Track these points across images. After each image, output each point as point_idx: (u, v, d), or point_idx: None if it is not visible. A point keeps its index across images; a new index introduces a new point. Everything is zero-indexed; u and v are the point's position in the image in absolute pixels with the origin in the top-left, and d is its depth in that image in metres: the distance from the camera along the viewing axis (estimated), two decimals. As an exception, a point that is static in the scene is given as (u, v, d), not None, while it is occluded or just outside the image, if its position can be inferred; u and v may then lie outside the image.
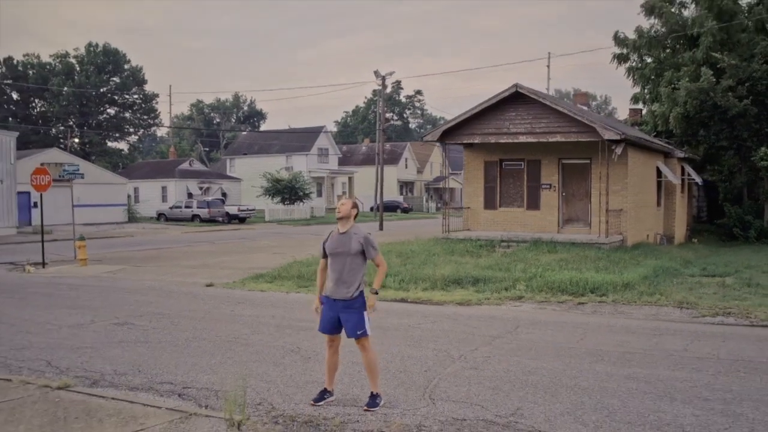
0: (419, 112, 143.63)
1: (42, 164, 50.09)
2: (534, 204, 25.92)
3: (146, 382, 8.64)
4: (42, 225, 26.18)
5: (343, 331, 7.50)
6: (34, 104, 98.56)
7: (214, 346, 10.72)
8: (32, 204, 50.86)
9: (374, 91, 46.23)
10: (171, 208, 58.05)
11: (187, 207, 56.39)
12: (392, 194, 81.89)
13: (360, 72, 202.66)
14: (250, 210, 57.88)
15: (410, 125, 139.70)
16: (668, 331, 11.82)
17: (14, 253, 30.63)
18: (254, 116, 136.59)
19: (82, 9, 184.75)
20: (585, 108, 32.13)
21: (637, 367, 9.17)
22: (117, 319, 13.15)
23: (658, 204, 29.07)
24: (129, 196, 60.74)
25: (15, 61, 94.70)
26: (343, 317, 7.42)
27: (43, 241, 25.79)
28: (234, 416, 6.83)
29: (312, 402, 7.55)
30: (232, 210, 56.26)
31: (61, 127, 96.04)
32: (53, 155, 54.17)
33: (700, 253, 25.72)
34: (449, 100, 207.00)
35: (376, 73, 48.14)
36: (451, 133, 25.55)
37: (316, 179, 73.46)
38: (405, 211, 76.55)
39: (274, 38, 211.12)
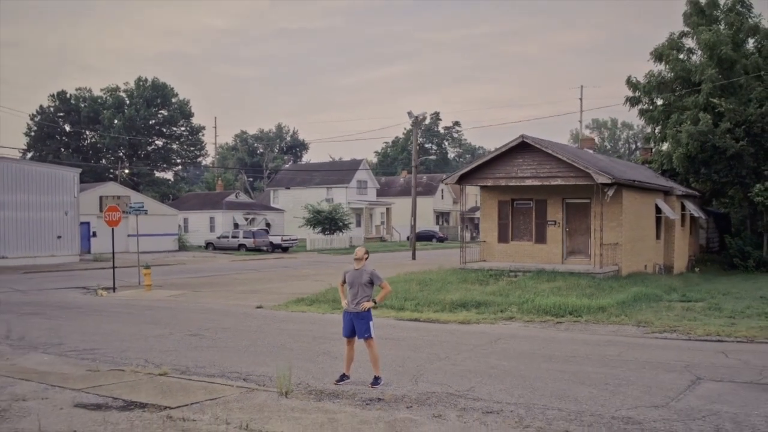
0: (457, 143, 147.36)
1: (101, 197, 54.85)
2: (541, 238, 29.34)
3: (219, 372, 12.28)
4: (113, 254, 30.20)
5: (354, 331, 11.12)
6: (85, 136, 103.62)
7: (266, 350, 14.38)
8: (91, 233, 55.35)
9: (416, 117, 49.90)
10: (219, 237, 62.18)
11: (233, 237, 60.49)
12: (428, 224, 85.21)
13: (400, 99, 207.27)
14: (293, 240, 61.74)
15: (448, 155, 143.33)
16: (617, 342, 15.20)
17: (82, 279, 34.60)
18: (297, 146, 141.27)
19: (126, 38, 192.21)
20: (591, 151, 35.41)
21: (573, 365, 12.61)
22: (190, 332, 16.91)
23: (658, 237, 32.21)
24: (179, 226, 64.99)
25: (68, 95, 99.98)
26: (355, 324, 11.03)
27: (114, 269, 29.75)
28: (282, 389, 10.43)
29: (335, 382, 11.16)
30: (276, 240, 60.21)
31: (111, 158, 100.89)
32: (111, 188, 58.78)
33: (691, 282, 28.83)
34: (487, 128, 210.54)
35: (410, 113, 51.78)
36: (467, 177, 29.19)
37: (355, 210, 77.16)
38: (440, 240, 79.73)
39: (314, 66, 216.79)
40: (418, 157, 69.29)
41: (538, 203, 29.30)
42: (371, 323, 11.14)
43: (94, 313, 21.09)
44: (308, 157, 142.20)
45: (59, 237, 47.23)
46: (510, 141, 27.73)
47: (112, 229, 29.35)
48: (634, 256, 28.80)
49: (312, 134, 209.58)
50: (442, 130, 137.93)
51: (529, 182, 27.64)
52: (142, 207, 31.95)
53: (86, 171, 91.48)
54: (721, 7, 39.81)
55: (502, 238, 30.07)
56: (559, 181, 26.95)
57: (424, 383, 11.18)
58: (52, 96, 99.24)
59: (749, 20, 39.17)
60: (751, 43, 39.72)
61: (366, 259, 11.38)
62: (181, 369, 12.57)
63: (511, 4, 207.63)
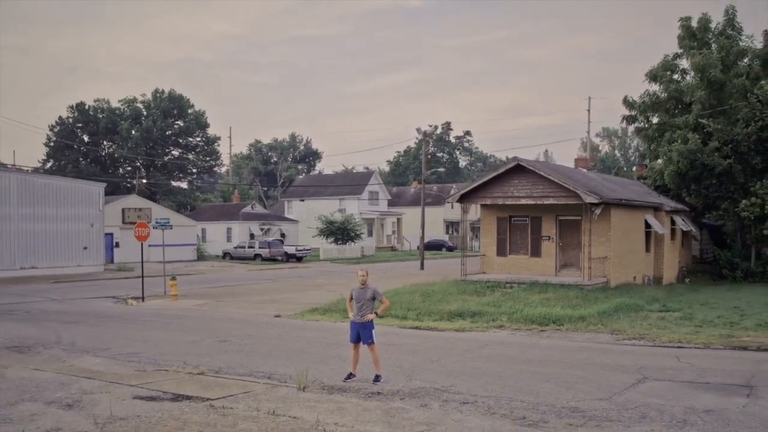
0: (468, 152, 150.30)
1: (123, 209, 57.50)
2: (536, 252, 31.74)
3: (247, 372, 14.70)
4: (142, 266, 32.65)
5: (360, 337, 13.52)
6: (103, 146, 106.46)
7: (285, 354, 16.81)
8: (114, 244, 58.06)
9: (424, 132, 52.14)
10: (235, 247, 64.75)
11: (250, 247, 63.04)
12: (438, 233, 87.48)
13: (411, 105, 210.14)
14: (306, 250, 64.21)
15: (460, 164, 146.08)
16: (588, 348, 17.54)
17: (109, 289, 37.10)
18: (310, 155, 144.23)
19: (136, 44, 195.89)
20: (584, 170, 37.76)
21: (544, 367, 14.96)
22: (218, 338, 19.36)
23: (647, 250, 34.48)
24: (197, 236, 67.49)
25: (86, 106, 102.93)
26: (360, 332, 13.44)
27: (143, 279, 32.18)
28: (301, 385, 12.84)
29: (343, 380, 13.56)
30: (290, 250, 62.71)
31: (129, 168, 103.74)
32: (133, 201, 61.46)
33: (676, 292, 31.05)
34: (499, 136, 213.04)
35: (419, 130, 54.31)
36: (468, 196, 31.70)
37: (367, 220, 79.60)
38: (450, 249, 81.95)
39: (324, 72, 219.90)
40: (428, 169, 71.78)
41: (533, 220, 31.71)
42: (373, 331, 13.54)
43: (129, 322, 23.56)
44: (321, 166, 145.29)
45: (85, 248, 49.90)
46: (506, 164, 30.31)
47: (141, 243, 31.81)
48: (622, 269, 31.10)
49: (325, 141, 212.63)
50: (453, 140, 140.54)
51: (524, 201, 30.09)
52: (168, 222, 34.41)
53: (104, 181, 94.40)
54: (713, 30, 42.06)
55: (501, 251, 32.49)
56: (551, 201, 29.37)
57: (417, 381, 13.57)
58: (71, 107, 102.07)
59: (739, 43, 41.43)
60: (740, 65, 41.83)
61: (366, 277, 13.75)
62: (215, 369, 14.99)
63: (523, 8, 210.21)
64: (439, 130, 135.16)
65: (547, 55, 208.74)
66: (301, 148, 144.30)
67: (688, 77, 43.29)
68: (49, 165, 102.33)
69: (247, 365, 15.42)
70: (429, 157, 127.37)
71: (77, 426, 10.46)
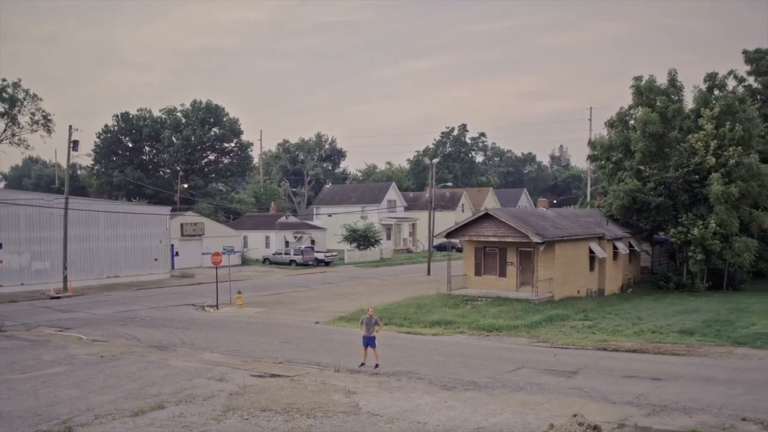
0: (483, 150, 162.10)
1: (182, 224, 69.50)
2: (503, 273, 43.25)
3: (305, 361, 26.28)
4: (217, 284, 44.13)
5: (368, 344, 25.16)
6: (145, 152, 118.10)
7: (325, 350, 28.42)
8: (175, 253, 70.10)
9: (431, 160, 62.56)
10: (274, 254, 76.66)
11: (286, 254, 75.06)
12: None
13: (435, 93, 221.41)
14: (333, 255, 76.03)
15: (476, 161, 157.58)
16: (508, 348, 28.90)
17: (184, 296, 48.75)
18: (335, 154, 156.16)
19: (162, 33, 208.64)
20: (544, 209, 49.22)
21: (470, 359, 26.38)
22: (282, 340, 31.03)
23: (592, 269, 45.78)
24: (241, 244, 79.35)
25: (130, 116, 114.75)
26: (368, 341, 25.03)
27: (217, 290, 43.62)
28: (336, 368, 24.47)
29: (358, 366, 25.13)
30: (320, 255, 74.60)
31: (168, 171, 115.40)
32: (189, 217, 73.64)
33: (606, 303, 42.16)
34: (512, 131, 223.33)
35: (427, 158, 65.49)
36: (453, 233, 43.49)
37: (386, 226, 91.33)
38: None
39: (347, 59, 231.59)
40: (438, 182, 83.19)
41: (500, 250, 43.22)
42: (376, 340, 25.07)
43: (219, 327, 35.20)
44: (345, 164, 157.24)
45: (156, 260, 61.99)
46: (477, 213, 41.92)
47: (216, 268, 43.42)
48: (566, 285, 42.46)
49: (348, 134, 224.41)
50: (469, 141, 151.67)
51: (491, 239, 41.67)
52: (233, 249, 46.10)
53: (146, 185, 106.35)
54: (657, 89, 53.02)
55: (477, 272, 44.06)
56: (510, 239, 40.91)
57: (397, 367, 25.05)
58: (116, 116, 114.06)
59: (682, 99, 52.50)
60: (677, 119, 52.73)
61: (372, 312, 25.32)
62: (288, 360, 26.57)
63: None
64: (455, 132, 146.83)
65: (567, 42, 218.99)
66: (327, 147, 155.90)
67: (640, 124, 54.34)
68: (96, 168, 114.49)
69: (304, 357, 27.00)
70: (445, 155, 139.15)
71: (231, 389, 22.04)
